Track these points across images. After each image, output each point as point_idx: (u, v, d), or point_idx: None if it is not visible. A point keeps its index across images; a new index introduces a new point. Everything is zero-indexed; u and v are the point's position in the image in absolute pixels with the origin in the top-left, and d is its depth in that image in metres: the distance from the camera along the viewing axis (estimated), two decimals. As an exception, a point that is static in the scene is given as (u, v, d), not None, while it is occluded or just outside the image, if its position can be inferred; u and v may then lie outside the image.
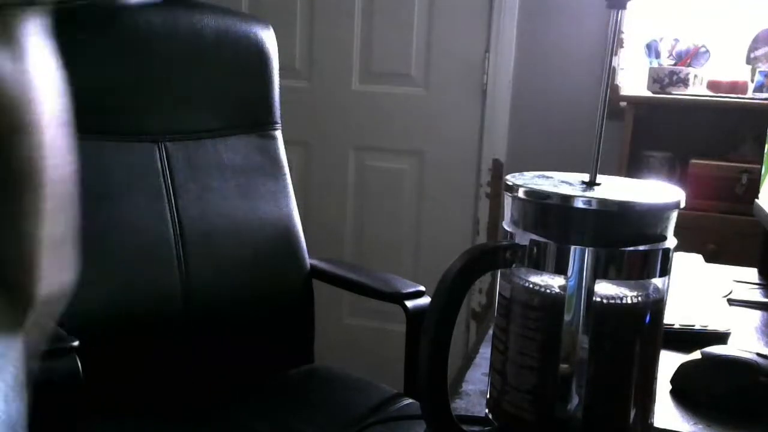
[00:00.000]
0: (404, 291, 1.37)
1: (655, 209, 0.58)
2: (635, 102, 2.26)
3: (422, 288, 1.38)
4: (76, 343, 0.99)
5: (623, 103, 2.27)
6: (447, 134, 2.56)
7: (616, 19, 0.60)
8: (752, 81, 2.25)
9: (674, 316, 0.89)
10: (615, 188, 0.59)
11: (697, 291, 1.07)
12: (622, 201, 0.56)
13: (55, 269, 0.64)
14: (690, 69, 2.25)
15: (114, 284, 1.19)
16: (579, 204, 0.55)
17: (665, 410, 0.70)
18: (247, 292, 1.43)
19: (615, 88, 2.36)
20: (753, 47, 2.28)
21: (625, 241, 0.56)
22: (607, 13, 0.59)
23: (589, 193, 0.57)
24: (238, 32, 1.42)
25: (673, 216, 0.58)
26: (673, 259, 0.59)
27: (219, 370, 1.40)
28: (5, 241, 0.60)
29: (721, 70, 2.35)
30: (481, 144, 2.55)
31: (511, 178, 0.60)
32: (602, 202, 0.55)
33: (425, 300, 1.36)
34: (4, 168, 0.59)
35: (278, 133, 1.52)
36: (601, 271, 0.56)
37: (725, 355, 0.75)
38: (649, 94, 2.28)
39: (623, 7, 0.58)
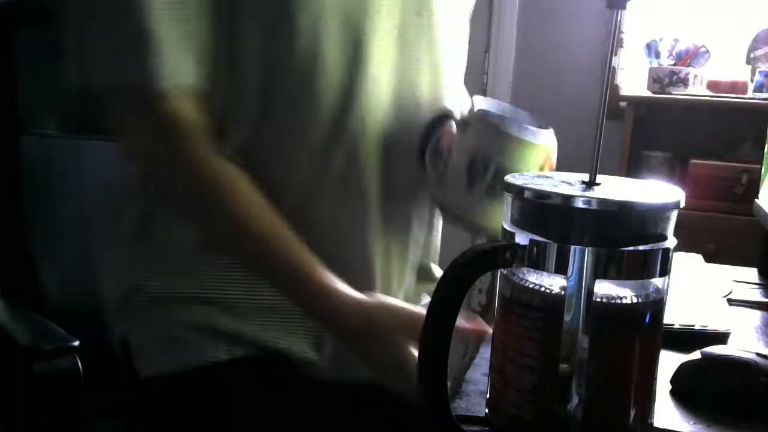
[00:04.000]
0: None
1: (655, 209, 0.58)
2: (635, 102, 2.26)
3: None
4: (76, 343, 0.99)
5: (623, 103, 2.27)
6: (447, 134, 2.56)
7: (616, 19, 0.60)
8: (752, 81, 2.25)
9: (674, 316, 0.89)
10: (615, 188, 0.59)
11: (697, 291, 1.07)
12: (622, 201, 0.56)
13: None
14: (690, 69, 2.25)
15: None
16: (579, 204, 0.55)
17: (665, 410, 0.70)
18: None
19: (615, 88, 2.36)
20: (753, 47, 2.28)
21: (625, 241, 0.56)
22: (607, 13, 0.59)
23: (589, 193, 0.57)
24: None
25: (673, 216, 0.58)
26: (673, 259, 0.59)
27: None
28: None
29: (721, 70, 2.35)
30: (481, 144, 2.55)
31: (511, 178, 0.60)
32: (602, 202, 0.55)
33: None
34: None
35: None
36: (601, 271, 0.56)
37: (725, 355, 0.75)
38: (649, 94, 2.28)
39: (623, 7, 0.58)
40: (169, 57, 0.74)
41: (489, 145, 0.75)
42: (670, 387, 0.75)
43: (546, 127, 0.79)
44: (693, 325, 0.88)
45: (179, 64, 0.75)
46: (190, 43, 0.75)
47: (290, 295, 0.81)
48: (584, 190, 0.57)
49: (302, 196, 0.81)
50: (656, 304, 0.60)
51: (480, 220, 0.78)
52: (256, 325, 0.82)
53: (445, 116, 0.83)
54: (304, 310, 0.80)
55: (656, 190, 0.60)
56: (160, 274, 0.85)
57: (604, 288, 0.58)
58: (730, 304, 1.05)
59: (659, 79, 2.26)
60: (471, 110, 0.79)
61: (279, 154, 0.79)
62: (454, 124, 0.80)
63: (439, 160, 0.79)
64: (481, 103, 0.79)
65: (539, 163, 0.77)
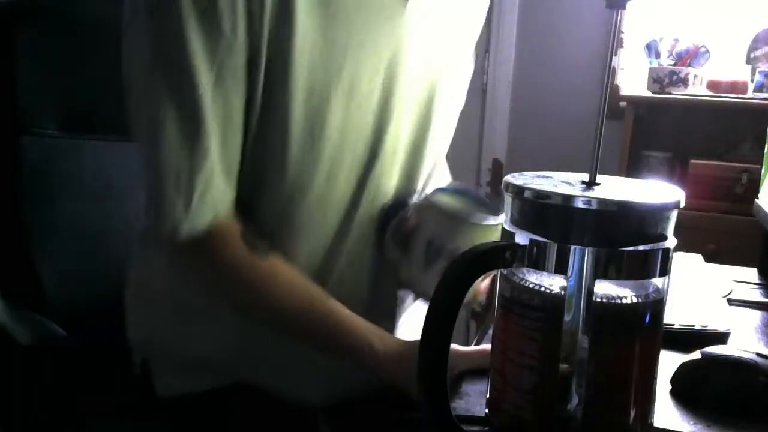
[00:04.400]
0: None
1: (655, 209, 0.58)
2: (635, 102, 2.26)
3: None
4: (76, 343, 1.00)
5: (623, 103, 2.27)
6: (447, 134, 2.56)
7: (616, 19, 0.60)
8: (752, 81, 2.25)
9: (674, 316, 0.89)
10: (615, 188, 0.59)
11: (697, 291, 1.07)
12: (622, 201, 0.56)
13: None
14: (690, 69, 2.25)
15: (114, 284, 1.19)
16: (579, 204, 0.55)
17: (665, 410, 0.70)
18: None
19: (615, 88, 2.36)
20: (753, 47, 2.28)
21: (625, 241, 0.56)
22: (607, 13, 0.59)
23: (589, 193, 0.57)
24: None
25: (673, 216, 0.58)
26: (673, 259, 0.59)
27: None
28: None
29: (721, 70, 2.35)
30: (481, 144, 2.55)
31: (511, 178, 0.60)
32: (602, 202, 0.55)
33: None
34: None
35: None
36: (601, 271, 0.56)
37: (725, 355, 0.75)
38: (649, 94, 2.28)
39: (623, 7, 0.58)
40: (220, 196, 0.81)
41: (442, 230, 0.83)
42: (670, 387, 0.75)
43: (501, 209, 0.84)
44: (693, 325, 0.89)
45: (227, 196, 0.82)
46: (233, 176, 0.82)
47: (335, 356, 0.88)
48: (584, 190, 0.57)
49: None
50: (656, 304, 0.60)
51: None
52: (255, 368, 0.91)
53: (404, 202, 0.91)
54: (353, 366, 0.87)
55: (656, 190, 0.60)
56: (175, 330, 0.93)
57: (604, 288, 0.58)
58: (730, 304, 1.05)
59: (659, 79, 2.26)
60: (427, 197, 0.87)
61: (290, 245, 0.87)
62: (411, 210, 0.88)
63: (400, 242, 0.88)
64: (438, 189, 0.86)
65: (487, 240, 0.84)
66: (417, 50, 0.86)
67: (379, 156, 0.86)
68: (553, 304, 0.58)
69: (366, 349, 0.83)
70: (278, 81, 0.78)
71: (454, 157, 2.74)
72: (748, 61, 2.29)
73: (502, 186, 0.61)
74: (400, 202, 0.90)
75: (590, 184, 0.59)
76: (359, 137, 0.84)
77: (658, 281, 0.59)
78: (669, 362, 0.74)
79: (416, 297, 0.92)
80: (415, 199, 0.90)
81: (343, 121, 0.82)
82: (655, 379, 0.62)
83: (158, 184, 0.79)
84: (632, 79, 2.43)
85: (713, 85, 2.29)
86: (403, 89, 0.86)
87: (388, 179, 0.89)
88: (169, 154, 0.77)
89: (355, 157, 0.85)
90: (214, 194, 0.80)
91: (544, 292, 0.58)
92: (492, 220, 0.85)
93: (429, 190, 0.88)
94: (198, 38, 0.73)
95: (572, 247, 0.56)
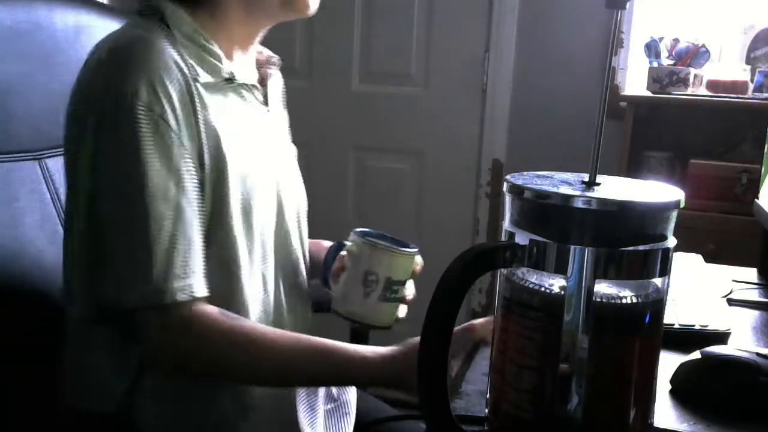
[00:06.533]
0: None
1: (655, 209, 0.58)
2: (635, 102, 2.25)
3: None
4: None
5: (623, 103, 2.27)
6: (447, 134, 2.56)
7: (616, 19, 0.60)
8: (752, 81, 2.24)
9: (674, 316, 0.89)
10: (615, 188, 0.59)
11: (697, 291, 1.07)
12: (622, 201, 0.56)
13: None
14: (690, 69, 2.25)
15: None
16: (579, 204, 0.55)
17: (665, 410, 0.70)
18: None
19: (615, 88, 2.36)
20: (753, 47, 2.28)
21: (625, 241, 0.56)
22: (607, 13, 0.59)
23: (589, 193, 0.57)
24: (98, 27, 1.17)
25: (673, 216, 0.59)
26: (673, 259, 0.59)
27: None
28: None
29: (721, 70, 2.35)
30: (481, 144, 2.55)
31: (511, 178, 0.60)
32: (602, 202, 0.55)
33: None
34: None
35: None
36: (601, 271, 0.56)
37: (725, 355, 0.75)
38: (649, 94, 2.28)
39: (623, 7, 0.58)
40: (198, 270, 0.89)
41: (377, 262, 0.97)
42: (669, 387, 0.75)
43: (411, 244, 1.02)
44: (693, 325, 0.89)
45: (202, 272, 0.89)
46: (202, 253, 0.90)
47: (332, 381, 1.00)
48: (584, 190, 0.57)
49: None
50: (656, 304, 0.60)
51: (375, 319, 1.00)
52: None
53: (339, 246, 1.08)
54: (349, 385, 1.01)
55: (656, 190, 0.60)
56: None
57: (604, 288, 0.58)
58: (730, 304, 1.05)
59: (659, 79, 2.25)
60: (357, 238, 0.99)
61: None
62: (345, 252, 1.02)
63: (338, 280, 1.02)
64: (362, 232, 1.00)
65: (412, 268, 1.00)
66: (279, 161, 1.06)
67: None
68: (553, 304, 0.58)
69: (359, 360, 0.91)
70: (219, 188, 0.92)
71: (454, 157, 2.73)
72: (748, 61, 2.29)
73: (502, 186, 0.61)
74: (336, 246, 1.09)
75: (590, 184, 0.59)
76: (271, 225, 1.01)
77: (658, 281, 0.59)
78: (669, 362, 0.74)
79: (355, 323, 1.02)
80: (346, 242, 1.04)
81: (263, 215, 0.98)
82: (655, 379, 0.62)
83: (135, 257, 0.85)
84: (632, 79, 2.43)
85: (713, 85, 2.29)
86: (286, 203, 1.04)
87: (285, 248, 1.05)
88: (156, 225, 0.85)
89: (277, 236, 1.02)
90: (195, 266, 0.87)
91: (544, 292, 0.58)
92: (413, 250, 1.00)
93: (353, 235, 1.01)
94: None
95: (572, 247, 0.56)
